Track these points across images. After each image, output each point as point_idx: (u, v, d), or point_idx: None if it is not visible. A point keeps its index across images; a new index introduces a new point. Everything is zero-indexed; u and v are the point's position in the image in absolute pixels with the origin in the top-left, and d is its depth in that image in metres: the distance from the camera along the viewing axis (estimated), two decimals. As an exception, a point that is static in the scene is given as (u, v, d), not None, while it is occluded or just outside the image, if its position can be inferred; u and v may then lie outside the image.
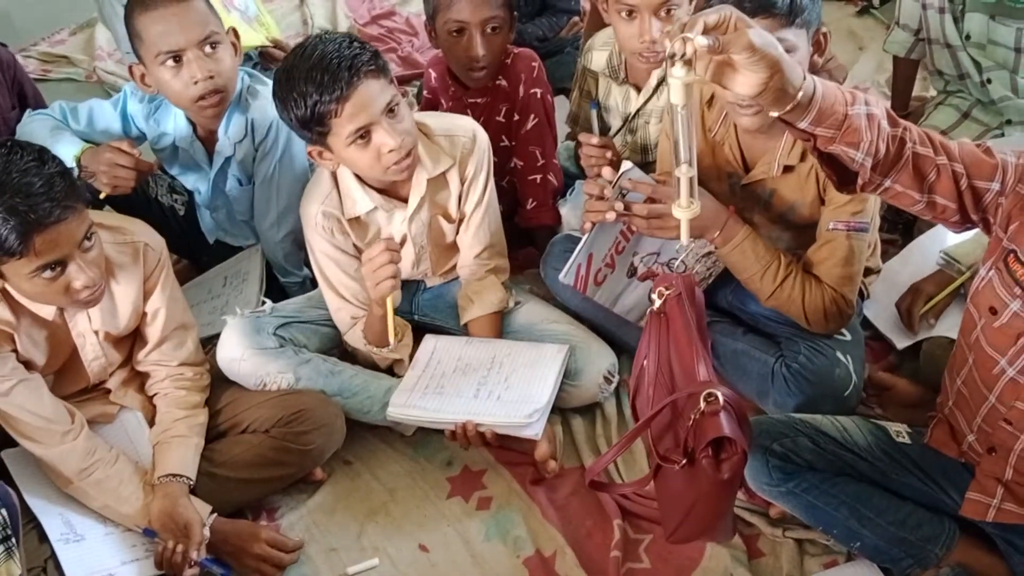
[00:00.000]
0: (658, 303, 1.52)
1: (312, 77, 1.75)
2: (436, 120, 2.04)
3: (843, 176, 1.35)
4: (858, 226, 1.80)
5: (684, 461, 1.39)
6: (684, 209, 1.27)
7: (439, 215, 2.07)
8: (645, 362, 1.53)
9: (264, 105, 2.14)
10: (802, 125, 1.25)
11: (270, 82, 2.21)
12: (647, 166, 2.14)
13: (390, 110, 1.81)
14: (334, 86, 1.74)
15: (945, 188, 1.36)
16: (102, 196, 2.05)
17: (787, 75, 1.19)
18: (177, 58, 2.00)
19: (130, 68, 2.09)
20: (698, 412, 1.35)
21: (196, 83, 2.02)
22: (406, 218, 2.01)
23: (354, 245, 2.04)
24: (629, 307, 2.04)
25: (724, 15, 1.15)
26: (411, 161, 1.89)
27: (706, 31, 1.13)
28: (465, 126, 2.04)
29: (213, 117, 2.14)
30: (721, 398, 1.35)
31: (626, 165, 1.86)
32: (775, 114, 1.24)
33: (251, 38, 2.75)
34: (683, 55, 1.12)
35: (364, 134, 1.80)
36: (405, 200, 2.00)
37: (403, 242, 2.07)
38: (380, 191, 1.99)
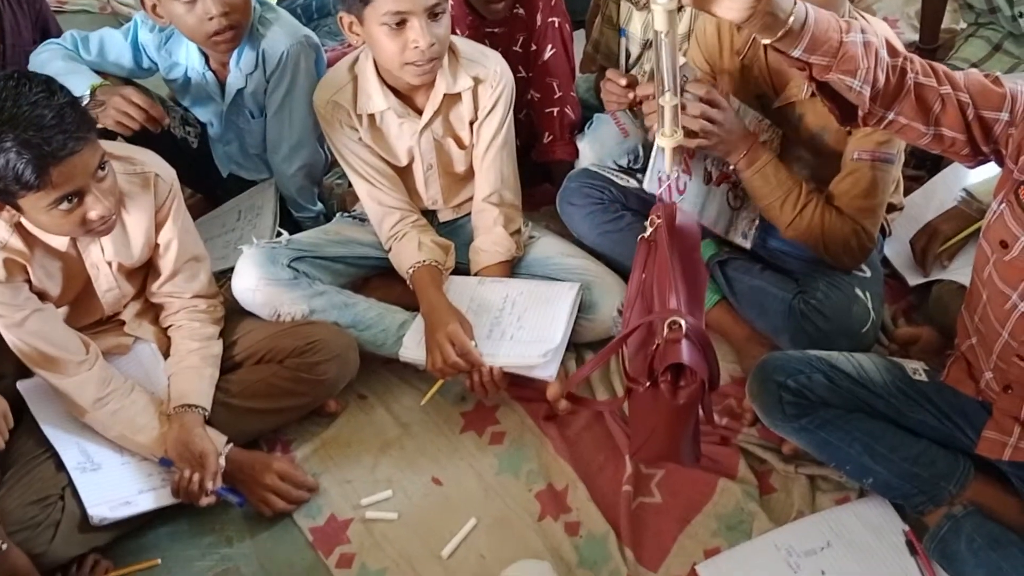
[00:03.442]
0: (649, 231, 1.53)
1: None
2: (466, 46, 2.03)
3: (845, 110, 1.33)
4: (884, 156, 1.76)
5: (648, 384, 1.41)
6: (668, 138, 1.26)
7: (450, 137, 2.05)
8: (630, 287, 1.55)
9: (275, 35, 2.11)
10: (795, 53, 1.22)
11: (281, 11, 2.18)
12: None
13: (434, 13, 1.83)
14: None
15: (952, 119, 1.32)
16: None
17: None
18: None
19: (141, -2, 2.06)
20: (662, 338, 1.37)
21: (211, 19, 1.99)
22: (417, 131, 2.01)
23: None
24: (715, 217, 1.95)
25: None
26: (431, 70, 1.90)
27: None
28: (491, 60, 2.03)
29: (227, 51, 2.11)
30: (684, 326, 1.36)
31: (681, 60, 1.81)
32: (767, 42, 1.21)
33: None
34: None
35: (400, 21, 1.81)
36: (420, 113, 2.00)
37: (411, 158, 2.06)
38: (397, 95, 1.98)
